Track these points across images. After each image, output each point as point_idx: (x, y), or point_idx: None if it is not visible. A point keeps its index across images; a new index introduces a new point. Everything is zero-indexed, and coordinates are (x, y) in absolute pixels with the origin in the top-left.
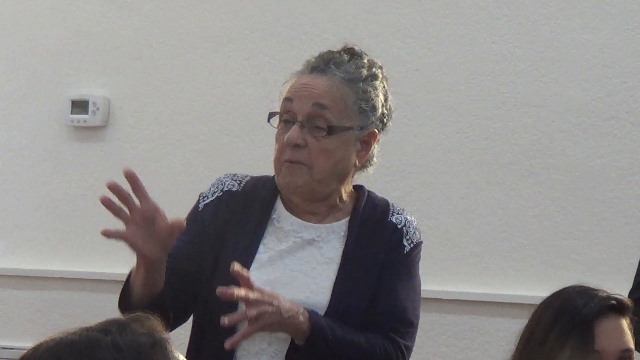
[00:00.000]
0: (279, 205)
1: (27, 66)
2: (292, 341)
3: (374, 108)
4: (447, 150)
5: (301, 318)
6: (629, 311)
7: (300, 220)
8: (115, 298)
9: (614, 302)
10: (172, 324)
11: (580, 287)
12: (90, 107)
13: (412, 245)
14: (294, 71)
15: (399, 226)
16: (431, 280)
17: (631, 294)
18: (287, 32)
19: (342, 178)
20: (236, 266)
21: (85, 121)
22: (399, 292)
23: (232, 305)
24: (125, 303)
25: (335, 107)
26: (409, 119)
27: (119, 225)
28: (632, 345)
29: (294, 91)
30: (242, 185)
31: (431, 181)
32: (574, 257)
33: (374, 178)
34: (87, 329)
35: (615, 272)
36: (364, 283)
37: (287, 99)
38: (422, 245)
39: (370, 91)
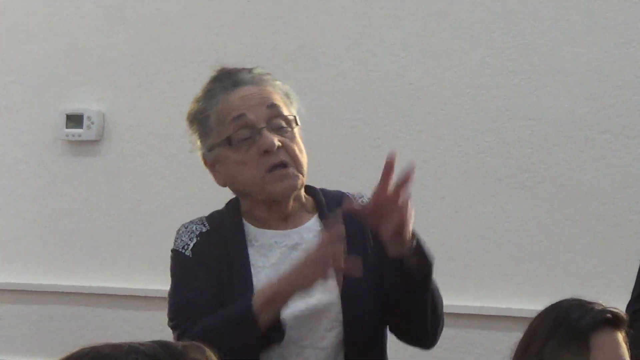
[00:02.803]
0: (248, 226)
1: (22, 80)
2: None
3: (295, 103)
4: (441, 163)
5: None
6: (624, 324)
7: (275, 231)
8: (111, 312)
9: (609, 315)
10: None
11: (576, 300)
12: (85, 122)
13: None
14: (207, 99)
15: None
16: None
17: (629, 306)
18: (282, 47)
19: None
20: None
21: (80, 135)
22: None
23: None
24: (250, 344)
25: (281, 103)
26: (402, 132)
27: (115, 240)
28: (627, 358)
29: (238, 107)
30: (206, 225)
31: (425, 194)
32: (568, 270)
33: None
34: (136, 352)
35: (611, 285)
36: (365, 268)
37: (237, 117)
38: None
39: (279, 84)
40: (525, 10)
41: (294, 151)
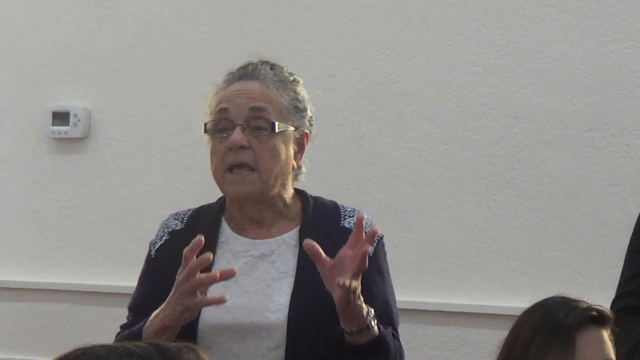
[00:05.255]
0: (225, 227)
1: (7, 78)
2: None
3: (304, 109)
4: (427, 161)
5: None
6: (610, 322)
7: (248, 239)
8: (96, 310)
9: (595, 313)
10: None
11: (561, 298)
12: (71, 119)
13: (374, 245)
14: (218, 84)
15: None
16: (412, 292)
17: (613, 304)
18: (268, 44)
19: (284, 179)
20: (219, 273)
21: (66, 133)
22: (378, 295)
23: (192, 334)
24: None
25: (272, 107)
26: (389, 130)
27: (101, 238)
28: (613, 356)
29: (228, 99)
30: (184, 221)
31: (411, 193)
32: (554, 268)
33: (352, 189)
34: (130, 354)
35: (596, 283)
36: (323, 294)
37: (222, 109)
38: (382, 237)
39: (299, 93)
40: (511, 8)
41: (262, 154)
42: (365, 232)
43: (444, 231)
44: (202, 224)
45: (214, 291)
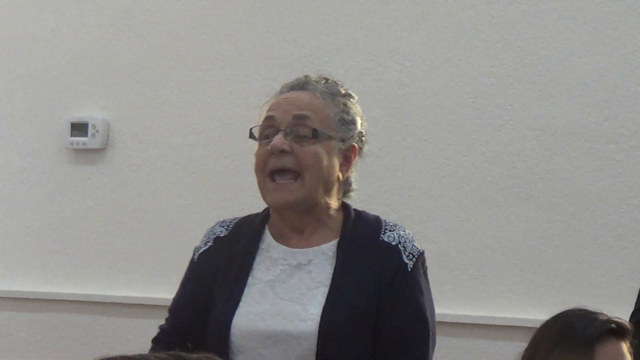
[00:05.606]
0: (267, 235)
1: (26, 89)
2: None
3: (354, 121)
4: (446, 173)
5: None
6: (629, 335)
7: (287, 247)
8: (114, 320)
9: (613, 325)
10: None
11: (580, 310)
12: (90, 130)
13: (413, 260)
14: (273, 94)
15: (393, 243)
16: None
17: (632, 317)
18: (286, 55)
19: (327, 188)
20: None
21: (84, 144)
22: (415, 311)
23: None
24: None
25: (317, 116)
26: (407, 142)
27: (119, 248)
28: None
29: (275, 106)
30: (229, 229)
31: (429, 204)
32: (573, 280)
33: (372, 201)
34: None
35: (615, 295)
36: (355, 306)
37: (268, 117)
38: (423, 253)
39: (349, 106)
40: (529, 20)
41: (303, 159)
42: (405, 248)
43: (462, 243)
44: (246, 231)
45: (248, 296)
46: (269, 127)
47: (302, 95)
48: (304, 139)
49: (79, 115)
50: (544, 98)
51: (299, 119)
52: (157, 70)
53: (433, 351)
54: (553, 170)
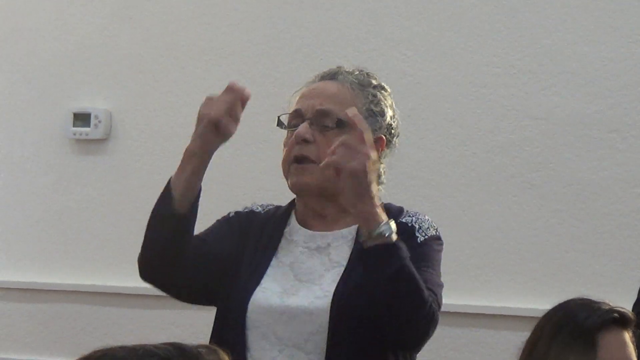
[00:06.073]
0: (292, 220)
1: (29, 79)
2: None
3: (382, 113)
4: (449, 163)
5: (379, 209)
6: (631, 324)
7: (310, 231)
8: (117, 311)
9: (616, 315)
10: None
11: (583, 299)
12: (92, 120)
13: (425, 237)
14: (306, 82)
15: (410, 224)
16: None
17: (635, 306)
18: (289, 45)
19: None
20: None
21: (87, 134)
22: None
23: (242, 313)
24: (163, 210)
25: (342, 108)
26: (410, 132)
27: (122, 239)
28: (634, 358)
29: (304, 96)
30: (265, 210)
31: (432, 194)
32: (576, 269)
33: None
34: (151, 355)
35: (618, 284)
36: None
37: (296, 110)
38: (442, 242)
39: (378, 97)
40: (532, 9)
41: (325, 149)
42: (419, 227)
43: (465, 232)
44: (276, 215)
45: (270, 275)
46: (296, 117)
47: (330, 86)
48: (328, 129)
49: (81, 106)
50: (546, 87)
51: (322, 114)
52: (160, 60)
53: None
54: (556, 160)
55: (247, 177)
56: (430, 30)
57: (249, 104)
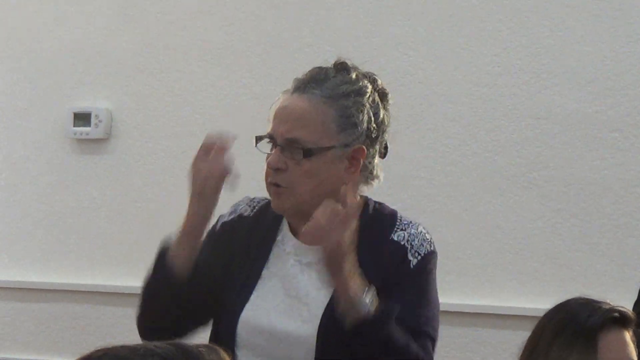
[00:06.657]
0: (284, 226)
1: (29, 79)
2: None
3: (355, 125)
4: (450, 162)
5: (355, 282)
6: (632, 323)
7: (301, 242)
8: (118, 311)
9: (617, 314)
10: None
11: (583, 299)
12: (93, 120)
13: (418, 258)
14: (283, 91)
15: (402, 243)
16: None
17: (636, 306)
18: (290, 45)
19: (333, 195)
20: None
21: (87, 134)
22: (410, 308)
23: (231, 331)
24: (165, 280)
25: (310, 131)
26: (411, 131)
27: (123, 238)
28: (635, 357)
29: (276, 114)
30: (254, 210)
31: (433, 193)
32: (577, 269)
33: (375, 190)
34: (152, 354)
35: (619, 284)
36: None
37: (268, 133)
38: (435, 255)
39: (351, 107)
40: (534, 8)
41: (296, 177)
42: (412, 246)
43: (466, 232)
44: (268, 217)
45: (260, 290)
46: (271, 136)
47: (300, 104)
48: (295, 153)
49: (81, 105)
50: (547, 87)
51: (291, 143)
52: (161, 59)
53: (433, 349)
54: (557, 159)
55: (246, 177)
56: (431, 30)
57: (249, 103)
